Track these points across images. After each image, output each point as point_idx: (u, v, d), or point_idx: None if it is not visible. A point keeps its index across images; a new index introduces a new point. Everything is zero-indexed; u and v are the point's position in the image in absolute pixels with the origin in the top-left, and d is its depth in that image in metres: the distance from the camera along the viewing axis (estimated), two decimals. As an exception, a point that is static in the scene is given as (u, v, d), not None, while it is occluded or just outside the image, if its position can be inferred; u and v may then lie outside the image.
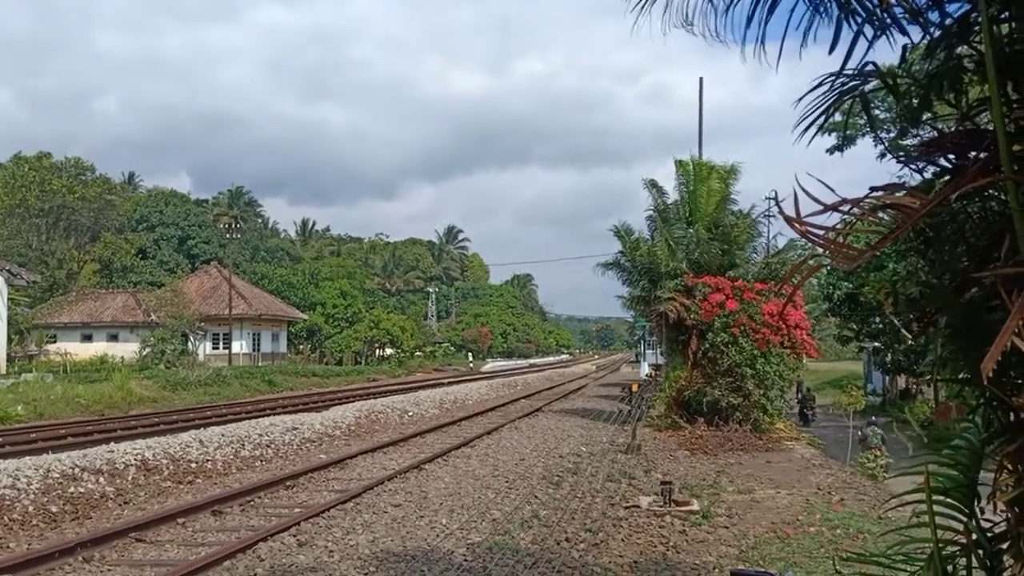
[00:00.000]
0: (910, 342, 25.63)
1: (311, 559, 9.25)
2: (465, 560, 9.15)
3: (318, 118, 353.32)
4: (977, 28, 2.52)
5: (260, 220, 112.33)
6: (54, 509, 11.61)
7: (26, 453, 16.15)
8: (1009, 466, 2.56)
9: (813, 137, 2.85)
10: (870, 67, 2.75)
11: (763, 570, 7.54)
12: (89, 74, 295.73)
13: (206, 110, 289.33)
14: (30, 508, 11.37)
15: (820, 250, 2.56)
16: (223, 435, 17.92)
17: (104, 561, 9.25)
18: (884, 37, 2.79)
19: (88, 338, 57.71)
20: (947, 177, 2.58)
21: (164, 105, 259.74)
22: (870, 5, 2.74)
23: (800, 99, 2.82)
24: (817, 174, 2.56)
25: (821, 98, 2.79)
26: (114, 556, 9.50)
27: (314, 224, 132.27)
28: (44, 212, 65.15)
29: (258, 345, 64.74)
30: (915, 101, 2.75)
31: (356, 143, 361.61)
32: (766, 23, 2.95)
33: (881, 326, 30.34)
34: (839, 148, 32.90)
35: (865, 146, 38.99)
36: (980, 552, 2.61)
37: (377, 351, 79.06)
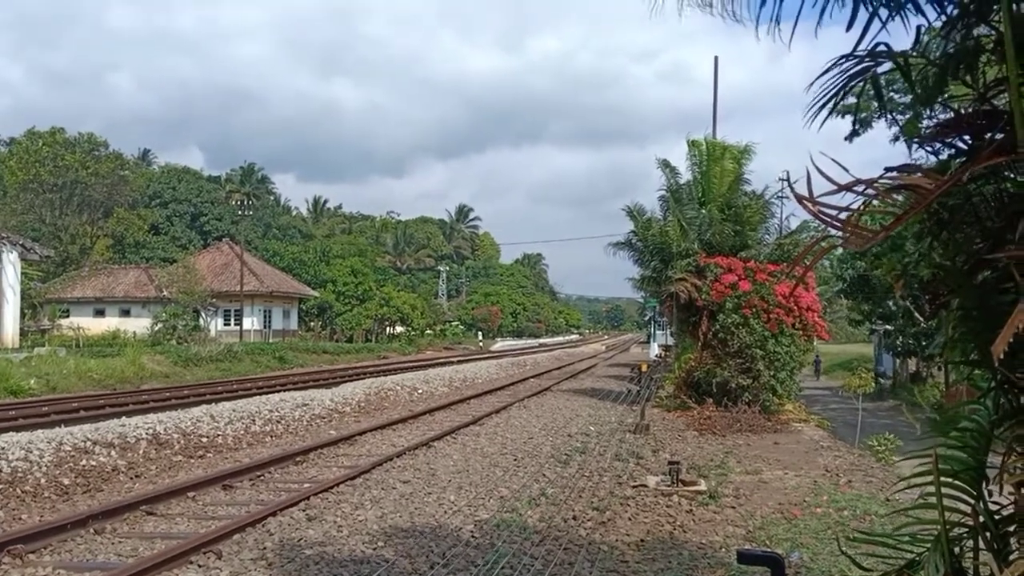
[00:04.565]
0: (922, 324, 25.54)
1: (320, 534, 9.32)
2: (473, 537, 9.21)
3: (331, 95, 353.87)
4: (996, 7, 2.48)
5: (272, 197, 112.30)
6: (66, 482, 11.72)
7: (39, 426, 16.29)
8: (1018, 448, 2.56)
9: (825, 120, 2.83)
10: (882, 48, 2.72)
11: (770, 551, 7.55)
12: (102, 49, 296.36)
13: (219, 86, 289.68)
14: (42, 480, 11.48)
15: (832, 231, 2.54)
16: (234, 410, 18.03)
17: (115, 533, 9.34)
18: (899, 18, 2.76)
19: (100, 313, 58.09)
20: (962, 158, 2.55)
21: (177, 81, 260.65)
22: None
23: (812, 83, 2.79)
24: (833, 155, 2.54)
25: (833, 80, 2.76)
26: (125, 529, 9.59)
27: (326, 202, 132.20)
28: (57, 187, 65.45)
29: (269, 322, 64.95)
30: (930, 82, 2.72)
31: (368, 120, 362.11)
32: (781, 1, 2.92)
33: (894, 308, 30.25)
34: (855, 133, 32.57)
35: (881, 129, 38.68)
36: (987, 534, 2.61)
37: (387, 329, 79.24)
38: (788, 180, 31.38)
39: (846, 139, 32.58)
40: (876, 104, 2.99)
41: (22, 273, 40.94)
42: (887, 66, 2.77)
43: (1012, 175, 2.51)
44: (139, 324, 51.48)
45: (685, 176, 26.08)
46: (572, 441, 16.75)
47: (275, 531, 9.39)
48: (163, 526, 9.82)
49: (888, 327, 33.22)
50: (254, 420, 17.58)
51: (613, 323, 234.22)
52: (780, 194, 26.46)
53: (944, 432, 2.82)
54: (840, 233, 2.50)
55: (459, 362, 45.57)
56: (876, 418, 23.38)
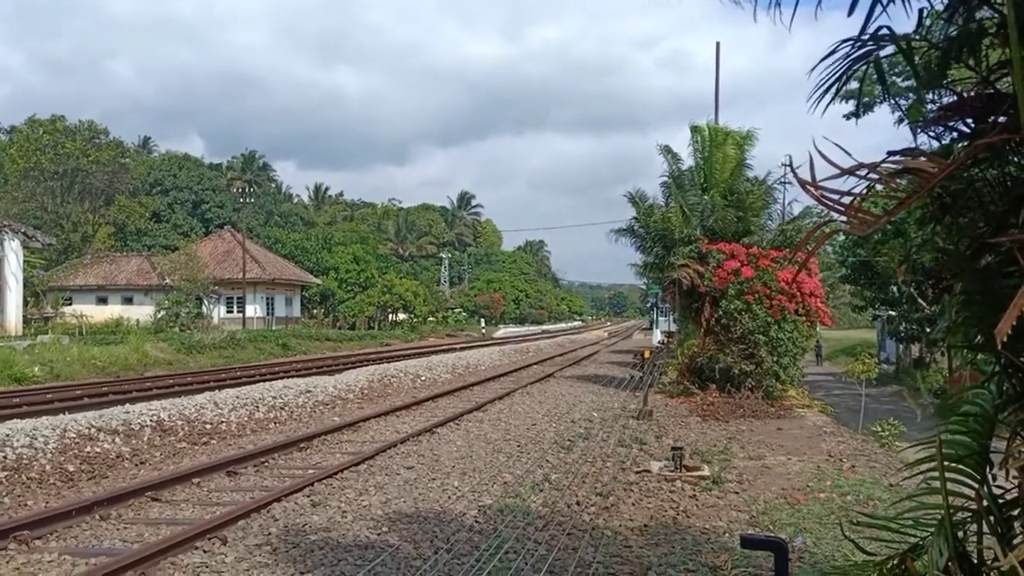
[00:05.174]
0: (925, 310, 25.50)
1: (324, 519, 9.36)
2: (476, 522, 9.24)
3: (332, 82, 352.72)
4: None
5: (274, 185, 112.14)
6: (71, 468, 11.77)
7: (43, 413, 16.34)
8: (1022, 433, 2.56)
9: (828, 105, 2.82)
10: (884, 31, 2.71)
11: (773, 535, 7.57)
12: (102, 37, 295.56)
13: (219, 73, 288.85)
14: (47, 467, 11.53)
15: (835, 216, 2.54)
16: (238, 397, 18.09)
17: (120, 519, 9.39)
18: (901, 1, 2.74)
19: (103, 301, 58.16)
20: (966, 142, 2.54)
21: (176, 68, 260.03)
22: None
23: (814, 67, 2.78)
24: (836, 140, 2.53)
25: (836, 65, 2.75)
26: (130, 515, 9.64)
27: (327, 189, 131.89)
28: (58, 175, 65.49)
29: (272, 309, 65.02)
30: (933, 66, 2.71)
31: (369, 108, 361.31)
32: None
33: (897, 294, 30.21)
34: (855, 115, 32.48)
35: (884, 113, 38.54)
36: (991, 518, 2.62)
37: (390, 316, 79.30)
38: (791, 165, 31.31)
39: (845, 117, 32.48)
40: (880, 88, 2.98)
41: (24, 261, 41.02)
42: (889, 49, 2.75)
43: (1015, 159, 2.50)
44: (142, 312, 51.56)
45: (687, 162, 26.00)
46: (575, 427, 16.77)
47: (280, 517, 9.42)
48: (168, 512, 9.86)
49: (891, 312, 33.15)
50: (258, 407, 17.62)
51: (616, 310, 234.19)
52: (783, 179, 26.38)
53: (948, 417, 2.82)
54: (843, 218, 2.49)
55: (462, 349, 45.60)
56: (879, 404, 23.39)
